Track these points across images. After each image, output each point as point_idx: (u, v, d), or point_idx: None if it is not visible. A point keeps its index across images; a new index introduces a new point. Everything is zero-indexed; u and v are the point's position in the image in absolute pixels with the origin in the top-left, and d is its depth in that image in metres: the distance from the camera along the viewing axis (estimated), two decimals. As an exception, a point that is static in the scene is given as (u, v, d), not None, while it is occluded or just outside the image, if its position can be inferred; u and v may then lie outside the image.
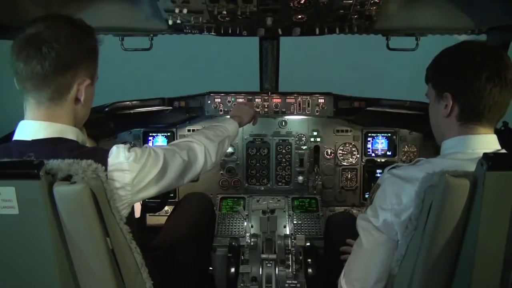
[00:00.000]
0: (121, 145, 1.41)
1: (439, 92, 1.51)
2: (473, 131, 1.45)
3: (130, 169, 1.38)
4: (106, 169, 1.30)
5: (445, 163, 1.38)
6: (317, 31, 2.32)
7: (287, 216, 2.81)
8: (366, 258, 1.54)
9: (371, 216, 1.51)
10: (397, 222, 1.43)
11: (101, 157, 1.33)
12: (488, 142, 1.44)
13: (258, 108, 2.87)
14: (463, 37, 2.32)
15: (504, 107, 1.44)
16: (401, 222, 1.42)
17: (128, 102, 2.84)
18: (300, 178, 3.02)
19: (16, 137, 1.37)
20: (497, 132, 1.48)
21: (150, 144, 3.05)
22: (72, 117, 1.44)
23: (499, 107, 1.42)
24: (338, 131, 3.03)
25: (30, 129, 1.36)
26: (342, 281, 1.62)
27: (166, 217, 2.52)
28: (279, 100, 2.88)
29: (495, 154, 1.21)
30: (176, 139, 3.04)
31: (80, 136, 1.46)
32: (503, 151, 1.44)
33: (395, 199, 1.43)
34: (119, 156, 1.37)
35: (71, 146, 1.37)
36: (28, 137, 1.35)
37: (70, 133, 1.41)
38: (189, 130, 3.03)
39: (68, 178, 1.18)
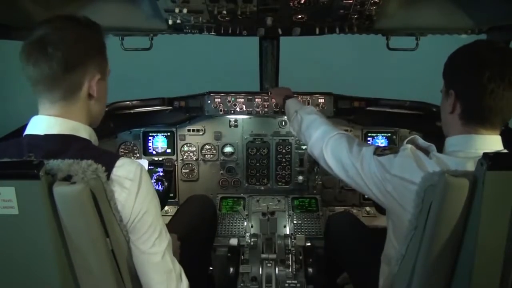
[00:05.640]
0: (131, 161, 1.38)
1: (447, 89, 1.53)
2: (475, 131, 1.44)
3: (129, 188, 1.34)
4: (108, 177, 1.29)
5: (449, 160, 1.39)
6: (317, 31, 2.32)
7: (287, 216, 2.81)
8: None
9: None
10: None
11: (107, 165, 1.30)
12: (491, 143, 1.43)
13: (258, 108, 2.87)
14: (463, 37, 2.32)
15: (508, 111, 1.41)
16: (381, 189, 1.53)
17: (128, 102, 2.84)
18: (300, 178, 3.02)
19: (28, 131, 1.37)
20: None
21: (150, 144, 3.06)
22: (86, 114, 1.43)
23: (501, 109, 1.39)
24: None
25: (43, 123, 1.36)
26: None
27: (167, 217, 2.52)
28: None
29: (495, 153, 1.21)
30: (176, 139, 3.05)
31: (93, 135, 1.45)
32: (505, 151, 1.44)
33: (399, 171, 1.47)
34: (124, 169, 1.34)
35: (82, 145, 1.37)
36: (41, 132, 1.34)
37: (83, 131, 1.40)
38: (189, 130, 3.04)
39: (68, 179, 1.18)
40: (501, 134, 1.48)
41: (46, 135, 1.34)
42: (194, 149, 3.06)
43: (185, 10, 1.98)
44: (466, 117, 1.45)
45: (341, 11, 2.04)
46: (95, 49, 1.44)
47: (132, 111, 2.88)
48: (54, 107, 1.37)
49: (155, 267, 1.42)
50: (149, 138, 3.06)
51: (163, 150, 3.06)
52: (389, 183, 1.50)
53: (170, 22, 2.14)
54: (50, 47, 1.30)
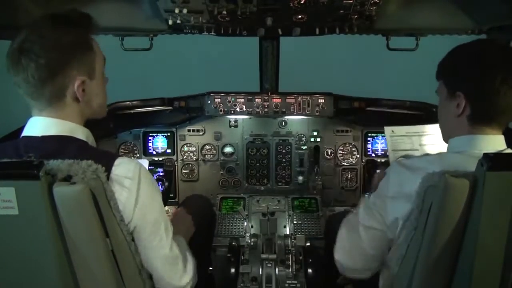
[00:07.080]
0: (129, 160, 1.39)
1: (451, 91, 1.48)
2: (481, 131, 1.43)
3: (129, 188, 1.34)
4: (108, 177, 1.29)
5: (455, 158, 1.38)
6: (317, 31, 2.32)
7: (287, 216, 2.81)
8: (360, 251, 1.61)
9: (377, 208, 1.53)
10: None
11: (106, 165, 1.30)
12: (495, 143, 1.43)
13: (258, 108, 2.87)
14: (463, 37, 2.32)
15: None
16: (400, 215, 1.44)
17: (128, 102, 2.84)
18: (300, 178, 3.02)
19: (25, 133, 1.36)
20: None
21: (150, 144, 3.06)
22: (80, 116, 1.42)
23: (510, 109, 1.40)
24: (338, 131, 3.03)
25: (40, 125, 1.35)
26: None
27: (166, 217, 2.52)
28: (279, 100, 2.88)
29: (495, 154, 1.21)
30: (176, 139, 3.05)
31: (90, 137, 1.45)
32: (509, 150, 1.43)
33: (397, 187, 1.44)
34: (123, 169, 1.34)
35: (80, 146, 1.36)
36: (38, 133, 1.34)
37: (80, 132, 1.40)
38: (189, 130, 3.04)
39: (68, 179, 1.18)
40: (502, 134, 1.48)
41: (43, 137, 1.33)
42: (194, 149, 3.06)
43: (185, 10, 1.98)
44: (475, 118, 1.43)
45: (341, 11, 2.04)
46: (76, 49, 1.35)
47: (132, 111, 2.88)
48: (45, 111, 1.35)
49: (163, 259, 1.47)
50: (149, 138, 3.05)
51: (163, 150, 3.06)
52: (388, 207, 1.49)
53: (170, 22, 2.14)
54: (24, 58, 1.27)
